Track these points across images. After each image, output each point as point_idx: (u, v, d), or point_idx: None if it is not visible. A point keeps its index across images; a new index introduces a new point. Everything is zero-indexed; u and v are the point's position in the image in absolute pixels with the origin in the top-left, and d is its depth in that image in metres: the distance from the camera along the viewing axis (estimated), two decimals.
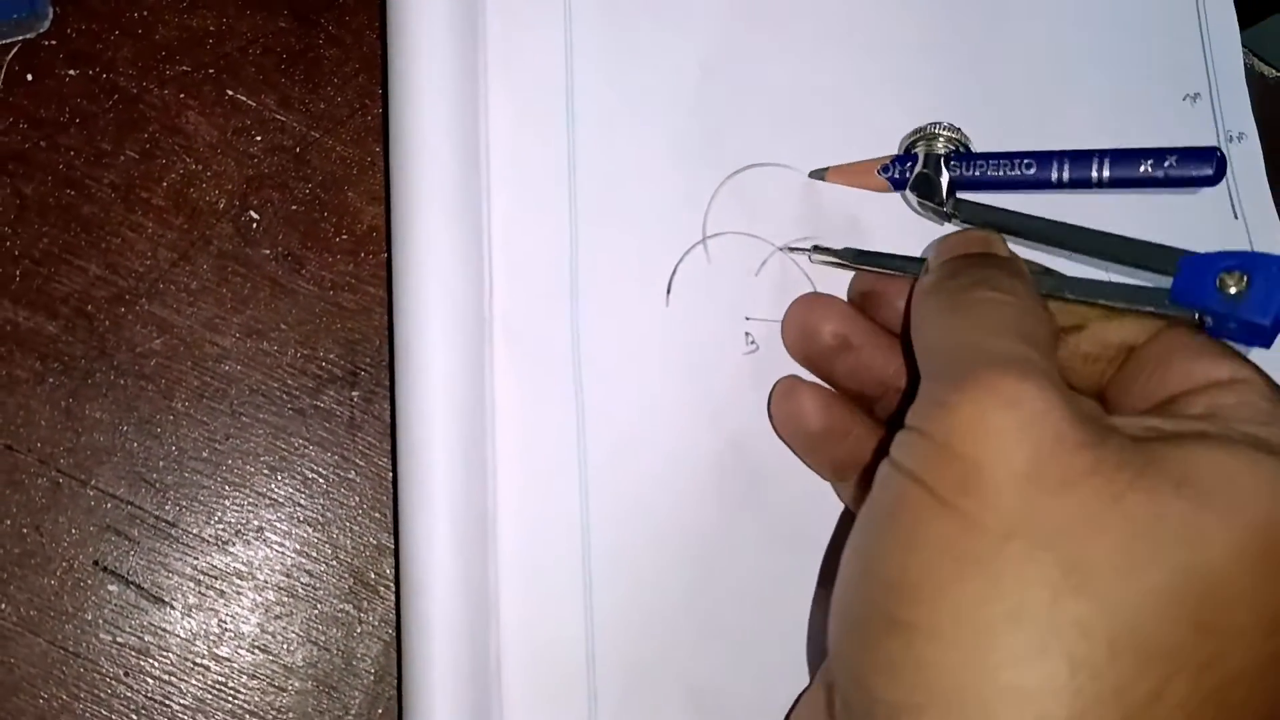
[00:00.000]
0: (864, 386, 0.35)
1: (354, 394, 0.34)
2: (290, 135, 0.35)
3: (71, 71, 0.34)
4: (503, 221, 0.34)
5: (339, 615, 0.33)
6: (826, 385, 0.35)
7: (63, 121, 0.34)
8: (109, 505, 0.32)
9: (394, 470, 0.33)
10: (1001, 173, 0.36)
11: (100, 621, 0.32)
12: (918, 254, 0.35)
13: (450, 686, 0.31)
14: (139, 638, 0.32)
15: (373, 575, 0.34)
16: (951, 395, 0.26)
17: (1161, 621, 0.23)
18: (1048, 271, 0.32)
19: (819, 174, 0.37)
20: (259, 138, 0.35)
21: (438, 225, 0.33)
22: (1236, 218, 0.40)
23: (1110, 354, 0.31)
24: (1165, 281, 0.30)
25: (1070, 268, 0.34)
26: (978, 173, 0.36)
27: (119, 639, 0.32)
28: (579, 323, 0.34)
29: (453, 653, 0.31)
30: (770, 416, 0.35)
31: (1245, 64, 0.41)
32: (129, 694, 0.32)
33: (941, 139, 0.36)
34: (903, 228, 0.37)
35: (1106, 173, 0.35)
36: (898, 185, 0.36)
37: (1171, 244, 0.32)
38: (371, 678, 0.33)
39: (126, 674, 0.32)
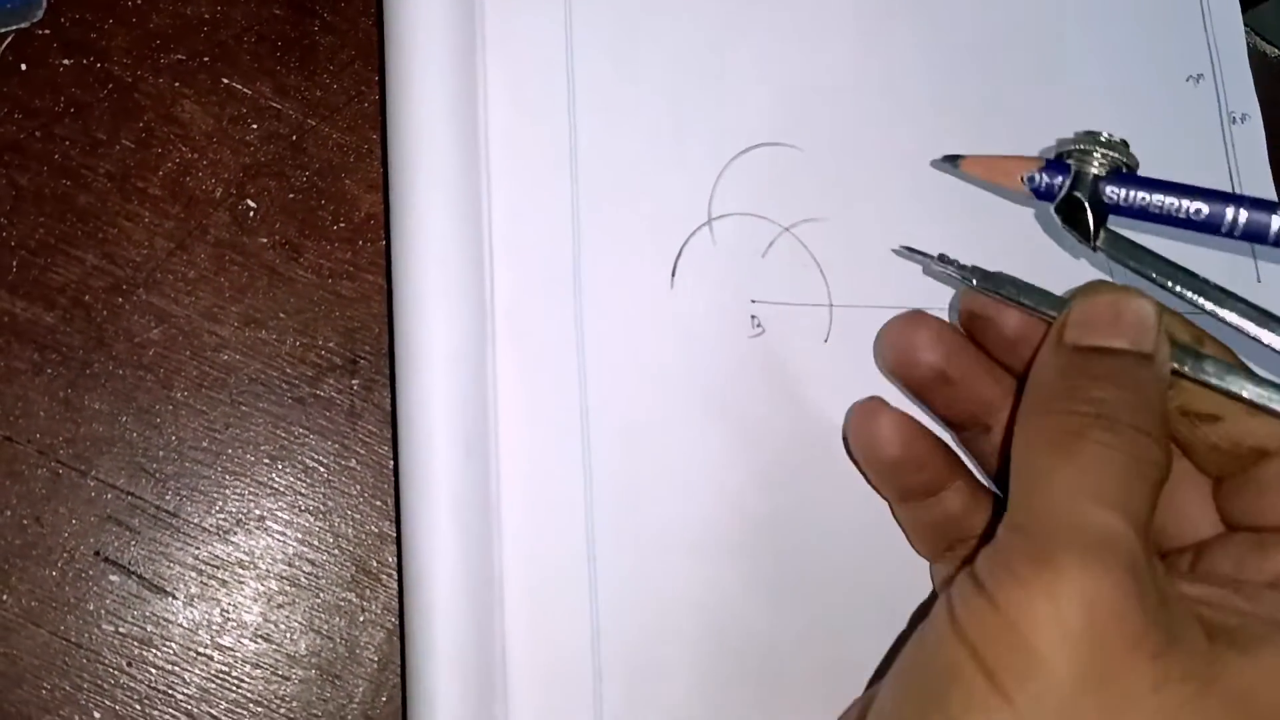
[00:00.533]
0: (954, 416, 0.34)
1: (354, 382, 0.34)
2: (286, 123, 0.35)
3: (66, 61, 0.34)
4: (503, 207, 0.34)
5: (341, 604, 0.33)
6: (905, 413, 0.34)
7: (57, 111, 0.34)
8: (109, 495, 0.32)
9: (395, 459, 0.33)
10: (1162, 209, 0.32)
11: (102, 612, 0.32)
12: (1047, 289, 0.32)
13: (454, 674, 0.31)
14: (141, 628, 0.32)
15: (375, 564, 0.34)
16: (1028, 569, 0.25)
17: None
18: (1197, 349, 0.30)
19: (950, 161, 0.36)
20: (255, 126, 0.35)
21: (437, 212, 0.33)
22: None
23: (1242, 453, 0.30)
24: None
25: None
26: (1133, 202, 0.33)
27: (121, 629, 0.32)
28: (582, 307, 0.34)
29: (456, 641, 0.31)
30: (845, 435, 0.35)
31: (1248, 44, 0.41)
32: (132, 684, 0.31)
33: (1098, 154, 0.33)
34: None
35: None
36: (1041, 196, 0.34)
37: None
38: (375, 666, 0.33)
39: (130, 664, 0.32)
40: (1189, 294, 0.31)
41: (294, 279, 0.34)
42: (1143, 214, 0.33)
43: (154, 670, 0.32)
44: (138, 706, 0.31)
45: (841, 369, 0.36)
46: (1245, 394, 0.29)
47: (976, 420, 0.34)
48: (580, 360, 0.34)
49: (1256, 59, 0.42)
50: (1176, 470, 0.29)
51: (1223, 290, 0.31)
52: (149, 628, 0.32)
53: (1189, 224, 0.32)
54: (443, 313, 0.32)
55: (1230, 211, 0.32)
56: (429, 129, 0.33)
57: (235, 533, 0.33)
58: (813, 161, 0.37)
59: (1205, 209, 0.32)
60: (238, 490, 0.33)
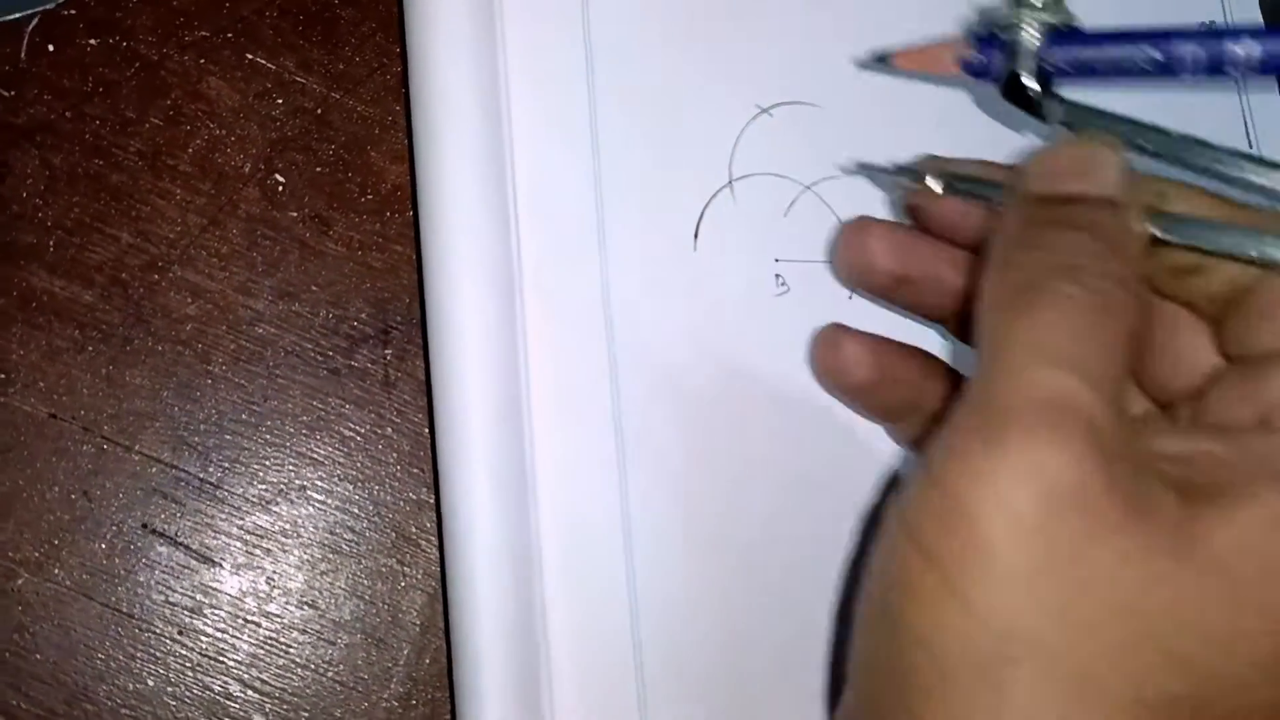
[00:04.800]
0: (925, 313, 0.35)
1: (387, 352, 0.36)
2: (311, 97, 0.37)
3: (92, 41, 0.36)
4: (526, 173, 0.36)
5: (383, 570, 0.35)
6: (870, 333, 0.35)
7: (86, 91, 0.36)
8: (154, 469, 0.34)
9: (430, 427, 0.35)
10: (1113, 63, 0.30)
11: (152, 583, 0.34)
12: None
13: (498, 634, 0.33)
14: (191, 597, 0.34)
15: (414, 529, 0.35)
16: (976, 447, 0.24)
17: None
18: (1159, 207, 0.29)
19: (879, 59, 0.36)
20: (280, 100, 0.37)
21: (462, 181, 0.35)
22: (1248, 135, 0.41)
23: (1235, 295, 0.28)
24: None
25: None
26: (1080, 62, 0.31)
27: (171, 599, 0.34)
28: (608, 270, 0.36)
29: (499, 602, 0.33)
30: (812, 366, 0.36)
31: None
32: (184, 651, 0.33)
33: (1028, 18, 0.31)
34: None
35: (1256, 53, 0.29)
36: (976, 74, 0.32)
37: None
38: (417, 629, 0.35)
39: (181, 632, 0.34)
40: (1166, 152, 0.30)
41: (325, 252, 0.36)
42: (1093, 72, 0.31)
43: (205, 638, 0.34)
44: (190, 674, 0.34)
45: (866, 323, 0.37)
46: (1217, 246, 0.28)
47: (945, 311, 0.34)
48: (608, 322, 0.36)
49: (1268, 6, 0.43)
50: (1176, 318, 0.30)
51: (1202, 142, 0.30)
52: (198, 597, 0.34)
53: (1148, 73, 0.30)
54: (471, 280, 0.34)
55: (1188, 50, 0.30)
56: (451, 99, 0.35)
57: (277, 502, 0.35)
58: (832, 118, 0.39)
59: (1158, 54, 0.30)
60: (278, 461, 0.35)
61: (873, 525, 0.36)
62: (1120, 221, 0.27)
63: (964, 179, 0.32)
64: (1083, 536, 0.23)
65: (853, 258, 0.35)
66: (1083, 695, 0.22)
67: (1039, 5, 0.31)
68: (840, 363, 0.34)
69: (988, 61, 0.32)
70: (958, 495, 0.23)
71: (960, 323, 0.35)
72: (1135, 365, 0.30)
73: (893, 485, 0.36)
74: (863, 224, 0.35)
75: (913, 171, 0.34)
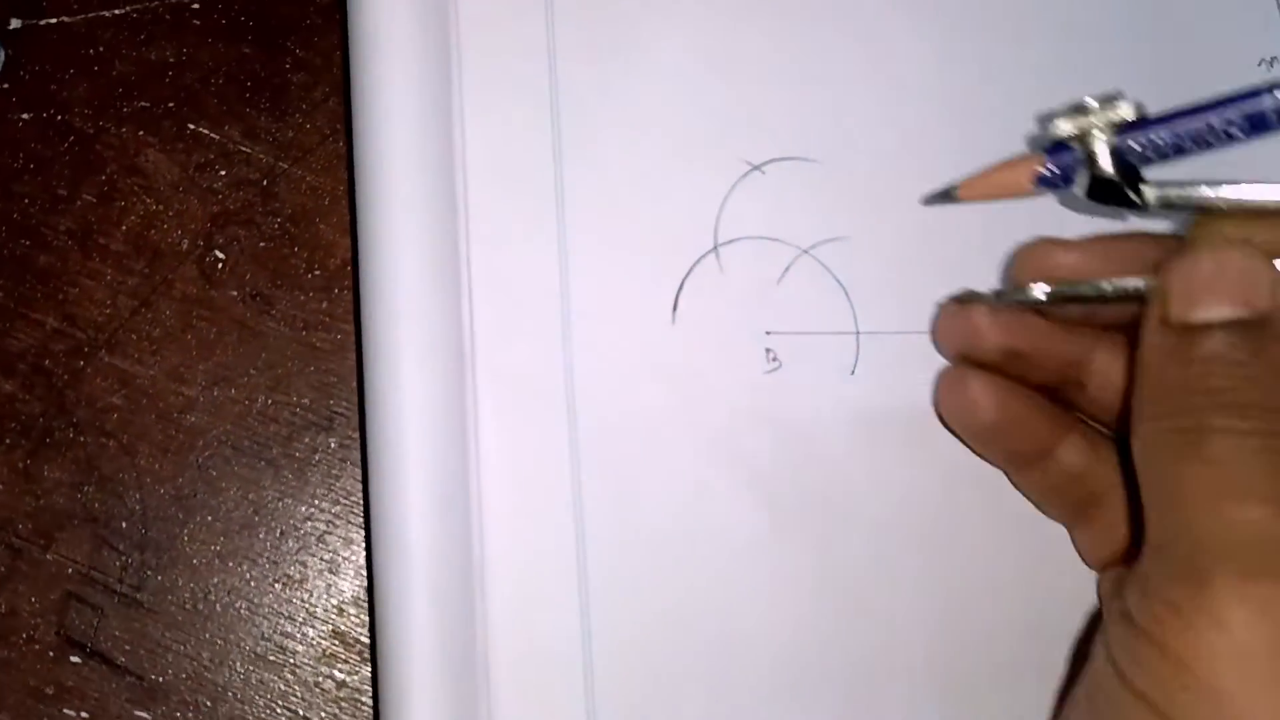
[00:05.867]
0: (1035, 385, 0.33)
1: (330, 441, 0.33)
2: (256, 167, 0.35)
3: (25, 115, 0.34)
4: (483, 241, 0.33)
5: (320, 683, 0.32)
6: (995, 374, 0.32)
7: (16, 168, 0.34)
8: (71, 572, 0.32)
9: (366, 528, 0.32)
10: (1197, 134, 0.29)
11: (65, 696, 0.31)
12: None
13: None
14: (107, 711, 0.31)
15: (354, 634, 0.32)
16: (1181, 595, 0.24)
17: None
18: None
19: (944, 196, 0.34)
20: (223, 172, 0.35)
21: (408, 247, 0.32)
22: None
23: None
24: None
25: None
26: (1162, 145, 0.30)
27: (83, 714, 0.31)
28: (572, 350, 0.33)
29: None
30: (936, 410, 0.34)
31: None
32: None
33: (1095, 120, 0.30)
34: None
35: None
36: (1058, 184, 0.32)
37: None
38: None
39: None
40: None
41: (265, 332, 0.34)
42: (1180, 149, 0.30)
43: None
44: None
45: (872, 403, 0.34)
46: None
47: (1065, 380, 0.33)
48: (570, 408, 0.32)
49: None
50: None
51: None
52: (116, 712, 0.31)
53: (1234, 136, 0.29)
54: (415, 361, 0.31)
55: (1266, 100, 0.28)
56: (398, 160, 0.32)
57: (205, 607, 0.32)
58: (832, 175, 0.35)
59: (1239, 111, 0.29)
60: (207, 561, 0.32)
61: None
62: (1276, 335, 0.26)
63: (1069, 294, 0.31)
64: None
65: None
66: None
67: (1097, 104, 0.30)
68: (967, 402, 0.32)
69: (1061, 172, 0.31)
70: (1171, 643, 0.24)
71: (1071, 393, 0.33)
72: None
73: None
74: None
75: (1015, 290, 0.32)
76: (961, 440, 0.33)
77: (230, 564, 0.32)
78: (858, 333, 0.34)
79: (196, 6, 0.35)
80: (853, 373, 0.34)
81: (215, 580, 0.32)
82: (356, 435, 0.33)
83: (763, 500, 0.33)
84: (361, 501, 0.33)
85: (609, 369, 0.33)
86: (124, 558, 0.32)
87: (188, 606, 0.32)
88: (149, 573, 0.32)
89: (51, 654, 0.31)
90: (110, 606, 0.32)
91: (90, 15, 0.35)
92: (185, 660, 0.32)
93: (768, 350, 0.34)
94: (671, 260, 0.34)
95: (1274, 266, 0.27)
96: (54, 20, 0.35)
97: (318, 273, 0.34)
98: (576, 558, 0.31)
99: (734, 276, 0.34)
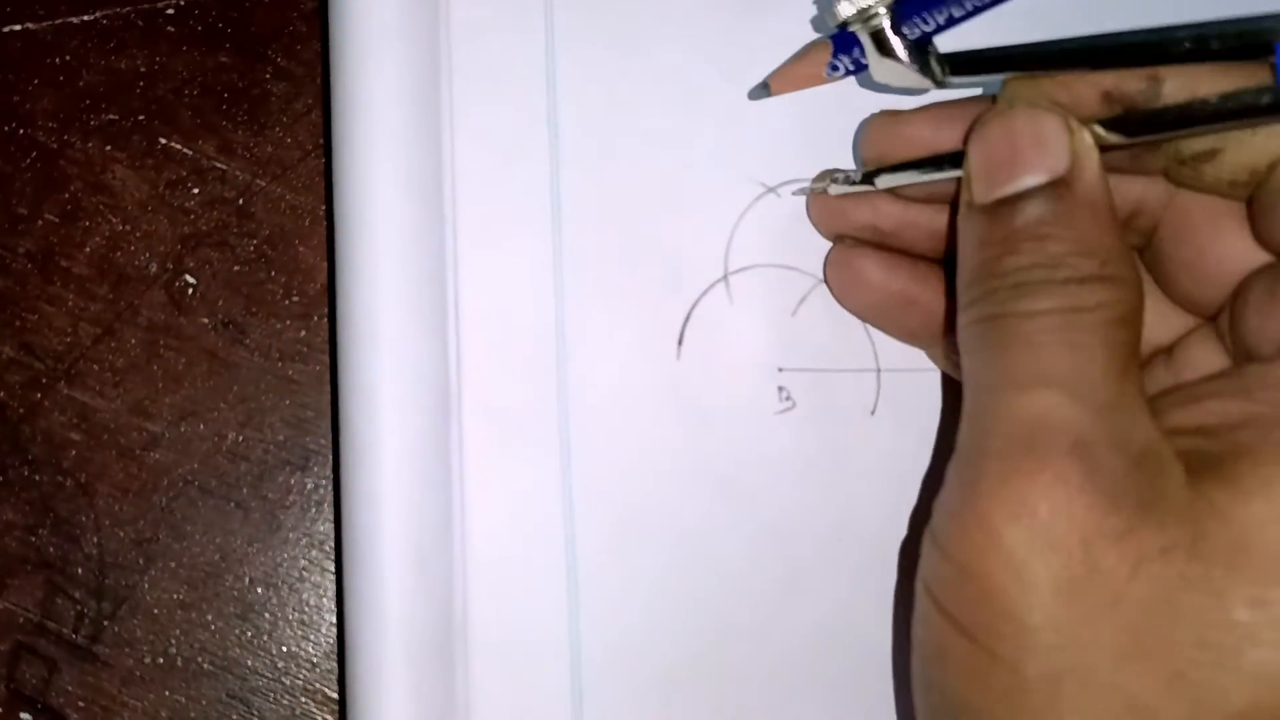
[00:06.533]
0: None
1: (305, 481, 0.31)
2: (232, 185, 0.32)
3: None
4: (472, 271, 0.30)
5: None
6: (887, 250, 0.31)
7: None
8: (22, 621, 0.30)
9: (338, 580, 0.29)
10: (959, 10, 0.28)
11: None
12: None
13: None
14: None
15: (325, 691, 0.30)
16: (962, 504, 0.23)
17: None
18: (1133, 103, 0.25)
19: (760, 92, 0.32)
20: (195, 190, 0.32)
21: (390, 275, 0.29)
22: None
23: (1262, 175, 0.25)
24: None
25: None
26: (943, 18, 0.28)
27: None
28: (568, 387, 0.30)
29: None
30: (828, 286, 0.32)
31: None
32: None
33: (856, 5, 0.28)
34: None
35: None
36: (850, 73, 0.30)
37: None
38: None
39: None
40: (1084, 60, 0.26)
41: (236, 363, 0.31)
42: (964, 17, 0.28)
43: None
44: None
45: (895, 445, 0.31)
46: (1217, 111, 0.24)
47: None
48: (564, 450, 0.30)
49: None
50: (1209, 212, 0.27)
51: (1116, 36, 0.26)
52: None
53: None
54: (394, 398, 0.29)
55: None
56: (380, 179, 0.30)
57: (165, 663, 0.30)
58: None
59: None
60: (169, 611, 0.30)
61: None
62: (1077, 198, 0.24)
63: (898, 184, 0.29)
64: (1086, 558, 0.21)
65: (825, 216, 0.32)
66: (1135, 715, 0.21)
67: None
68: (850, 281, 0.31)
69: (852, 58, 0.29)
70: (962, 558, 0.23)
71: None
72: (1168, 283, 0.28)
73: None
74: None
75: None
76: (858, 318, 0.32)
77: (194, 614, 0.30)
78: (879, 370, 0.32)
79: (171, 12, 0.33)
80: (873, 413, 0.32)
81: (177, 632, 0.30)
82: (333, 475, 0.31)
83: (774, 549, 0.30)
84: (336, 548, 0.30)
85: (607, 408, 0.30)
86: (79, 606, 0.30)
87: (147, 660, 0.30)
88: (106, 623, 0.30)
89: (0, 710, 0.29)
90: (63, 659, 0.30)
91: (57, 21, 0.33)
92: (143, 718, 0.29)
93: (780, 388, 0.31)
94: (677, 290, 0.31)
95: (1072, 124, 0.25)
96: (18, 27, 0.32)
97: (295, 299, 0.32)
98: (568, 615, 0.29)
99: (744, 308, 0.32)
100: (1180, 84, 0.25)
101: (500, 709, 0.29)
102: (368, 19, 0.31)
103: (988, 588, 0.22)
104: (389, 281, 0.29)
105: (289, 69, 0.33)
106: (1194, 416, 0.24)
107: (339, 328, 0.29)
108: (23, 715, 0.29)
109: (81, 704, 0.29)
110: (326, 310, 0.32)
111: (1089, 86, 0.26)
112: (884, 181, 0.29)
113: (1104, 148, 0.25)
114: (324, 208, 0.32)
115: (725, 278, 0.32)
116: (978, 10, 0.28)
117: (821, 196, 0.31)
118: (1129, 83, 0.25)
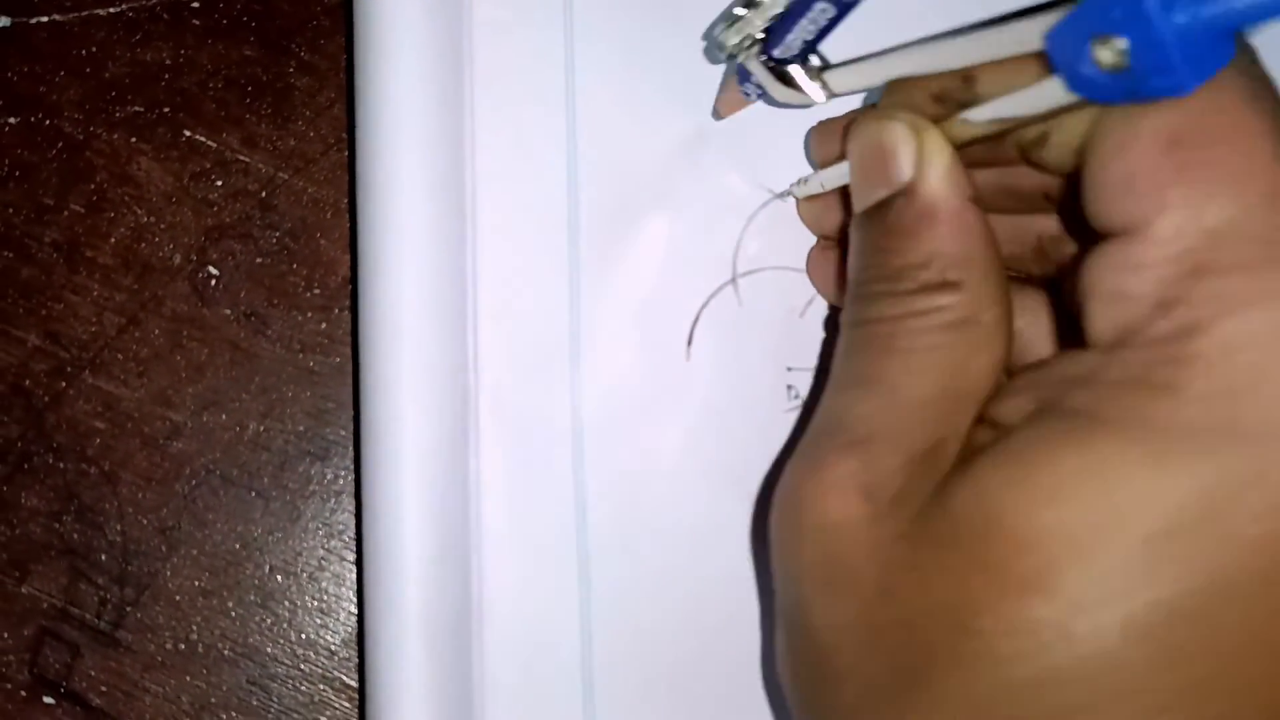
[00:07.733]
0: None
1: (325, 471, 0.31)
2: (255, 178, 0.33)
3: (12, 120, 0.32)
4: (490, 270, 0.31)
5: None
6: None
7: (1, 175, 0.32)
8: (46, 606, 0.30)
9: (358, 568, 0.30)
10: (822, 24, 0.27)
11: None
12: None
13: None
14: None
15: (344, 679, 0.31)
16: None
17: None
18: (960, 98, 0.25)
19: (715, 115, 0.32)
20: (219, 182, 0.33)
21: (410, 272, 0.30)
22: None
23: (1081, 157, 0.24)
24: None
25: None
26: (804, 40, 0.28)
27: None
28: (580, 387, 0.31)
29: None
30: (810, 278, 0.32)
31: None
32: None
33: (734, 33, 0.28)
34: None
35: None
36: (761, 97, 0.30)
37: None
38: None
39: None
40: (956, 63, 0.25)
41: (258, 354, 0.32)
42: (829, 26, 0.27)
43: None
44: None
45: None
46: (1025, 106, 0.23)
47: None
48: (577, 446, 0.31)
49: None
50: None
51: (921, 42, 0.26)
52: None
53: (843, 12, 0.27)
54: (414, 397, 0.29)
55: None
56: (403, 173, 0.30)
57: (188, 648, 0.30)
58: None
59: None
60: (190, 598, 0.31)
61: None
62: (917, 209, 0.24)
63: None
64: (839, 550, 0.23)
65: (816, 280, 0.32)
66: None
67: (729, 25, 0.28)
68: (821, 282, 0.32)
69: (754, 83, 0.29)
70: (771, 544, 0.26)
71: None
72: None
73: None
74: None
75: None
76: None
77: (215, 602, 0.31)
78: None
79: (196, 5, 0.33)
80: None
81: (199, 619, 0.31)
82: (353, 466, 0.31)
83: None
84: (356, 538, 0.31)
85: (619, 406, 0.31)
86: (102, 592, 0.30)
87: (168, 646, 0.30)
88: (128, 609, 0.30)
89: (23, 694, 0.30)
90: (86, 644, 0.30)
91: (84, 13, 0.33)
92: (164, 704, 0.30)
93: (789, 387, 0.32)
94: (687, 291, 0.32)
95: (920, 127, 0.25)
96: (45, 19, 0.33)
97: (317, 291, 0.32)
98: (581, 607, 0.30)
99: (753, 309, 0.32)
100: (992, 79, 0.24)
101: (514, 697, 0.29)
102: (392, 16, 0.31)
103: (777, 569, 0.25)
104: (410, 276, 0.30)
105: (313, 63, 0.34)
106: (997, 408, 0.24)
107: (360, 320, 0.30)
108: (46, 699, 0.30)
109: (104, 689, 0.30)
110: (348, 303, 0.32)
111: (921, 91, 0.26)
112: (799, 190, 0.31)
113: (967, 143, 0.25)
114: (346, 201, 0.33)
115: (734, 279, 0.32)
116: (835, 22, 0.27)
117: (801, 202, 0.32)
118: (949, 83, 0.25)
